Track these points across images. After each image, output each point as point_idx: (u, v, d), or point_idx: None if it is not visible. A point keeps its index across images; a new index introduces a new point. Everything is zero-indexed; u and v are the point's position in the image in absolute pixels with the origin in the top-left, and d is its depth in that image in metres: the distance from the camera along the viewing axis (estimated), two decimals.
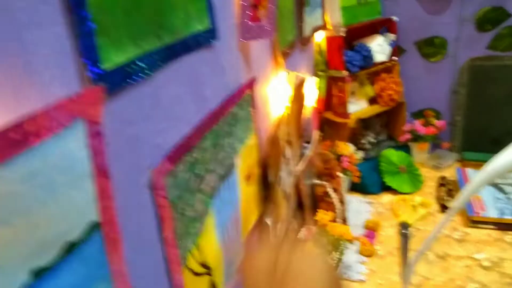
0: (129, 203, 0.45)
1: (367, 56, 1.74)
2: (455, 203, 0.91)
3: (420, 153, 1.93)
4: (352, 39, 1.81)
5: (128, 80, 0.42)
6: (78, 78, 0.36)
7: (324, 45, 1.73)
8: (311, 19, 1.50)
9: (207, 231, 0.65)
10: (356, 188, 1.78)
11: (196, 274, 0.62)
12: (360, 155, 1.77)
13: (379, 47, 1.80)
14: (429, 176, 1.85)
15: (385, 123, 2.02)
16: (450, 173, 1.84)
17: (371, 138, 1.94)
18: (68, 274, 0.36)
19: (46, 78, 0.33)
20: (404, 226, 1.53)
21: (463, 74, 1.89)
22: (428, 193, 1.75)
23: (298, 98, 1.26)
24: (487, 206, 1.56)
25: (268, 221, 0.95)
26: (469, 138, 1.95)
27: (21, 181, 0.29)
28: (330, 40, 1.71)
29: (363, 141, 1.93)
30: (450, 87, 1.96)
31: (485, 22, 1.81)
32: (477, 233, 1.49)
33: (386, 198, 1.75)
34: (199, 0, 0.60)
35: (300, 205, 1.36)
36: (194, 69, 0.60)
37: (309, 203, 1.38)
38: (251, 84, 0.84)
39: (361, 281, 1.32)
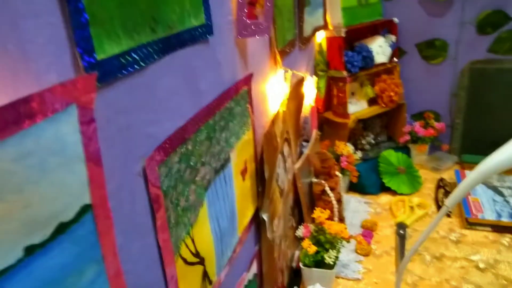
0: (121, 190, 0.47)
1: (367, 57, 1.76)
2: (447, 201, 0.92)
3: (419, 154, 1.94)
4: (353, 39, 1.83)
5: (121, 70, 0.44)
6: (73, 67, 0.38)
7: (324, 45, 1.75)
8: (312, 19, 1.52)
9: (200, 222, 0.67)
10: (355, 188, 1.79)
11: (189, 263, 0.63)
12: (359, 155, 1.78)
13: (380, 49, 1.82)
14: (428, 178, 1.86)
15: (385, 124, 2.03)
16: (449, 175, 1.85)
17: (370, 138, 1.95)
18: (60, 253, 0.37)
19: (41, 65, 0.35)
20: (401, 226, 1.55)
21: (463, 77, 1.90)
22: (426, 194, 1.76)
23: (297, 97, 1.27)
24: (485, 208, 1.56)
25: (264, 216, 0.96)
26: (469, 141, 1.96)
27: (14, 160, 0.31)
28: (330, 40, 1.73)
29: (362, 141, 1.94)
30: (450, 89, 1.97)
31: (486, 25, 1.82)
32: (474, 235, 1.50)
33: (385, 198, 1.76)
34: None
35: (297, 203, 1.38)
36: (189, 63, 0.61)
37: (307, 201, 1.39)
38: (248, 80, 0.86)
39: (357, 279, 1.33)
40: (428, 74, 1.98)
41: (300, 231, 1.28)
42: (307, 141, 1.52)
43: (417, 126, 1.89)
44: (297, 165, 1.30)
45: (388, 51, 1.85)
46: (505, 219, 1.50)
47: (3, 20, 0.32)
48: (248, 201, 0.91)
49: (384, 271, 1.35)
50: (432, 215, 1.63)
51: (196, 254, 0.65)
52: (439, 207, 1.64)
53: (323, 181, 1.42)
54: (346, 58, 1.72)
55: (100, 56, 0.40)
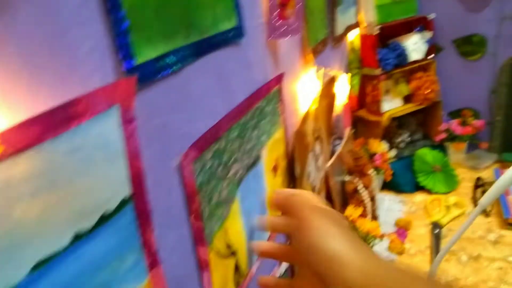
0: (159, 184, 0.51)
1: (401, 55, 1.74)
2: (482, 200, 0.90)
3: (456, 153, 1.90)
4: (387, 37, 1.81)
5: (158, 73, 0.48)
6: (114, 71, 0.42)
7: (357, 43, 1.74)
8: (344, 17, 1.52)
9: (232, 216, 0.70)
10: (389, 186, 1.78)
11: (222, 255, 0.66)
12: (393, 153, 1.76)
13: (415, 45, 1.79)
14: (466, 177, 1.82)
15: (421, 122, 2.00)
16: (488, 174, 1.80)
17: (405, 136, 1.93)
18: (103, 240, 0.41)
19: (87, 70, 0.39)
20: (436, 226, 1.52)
21: (503, 73, 1.84)
22: (464, 194, 1.72)
23: (329, 95, 1.28)
24: None
25: None
26: (509, 139, 1.90)
27: (65, 155, 0.34)
28: (363, 38, 1.72)
29: (397, 139, 1.92)
30: (490, 86, 1.91)
31: None
32: None
33: (420, 197, 1.74)
34: (227, 0, 0.65)
35: (330, 201, 1.39)
36: (221, 65, 0.64)
37: (339, 199, 1.40)
38: (279, 80, 0.88)
39: None
40: (466, 71, 1.93)
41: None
42: (340, 139, 1.52)
43: (454, 124, 1.85)
44: (329, 163, 1.31)
45: (423, 48, 1.82)
46: None
47: (55, 30, 0.36)
48: None
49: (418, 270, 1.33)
50: (469, 215, 1.59)
51: (229, 247, 0.69)
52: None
53: (356, 180, 1.42)
54: (380, 56, 1.71)
55: (139, 60, 0.44)
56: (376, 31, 1.67)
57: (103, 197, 0.40)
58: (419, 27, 1.84)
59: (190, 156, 0.56)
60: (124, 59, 0.42)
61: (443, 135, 1.87)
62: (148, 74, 0.46)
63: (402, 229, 1.52)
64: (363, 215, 1.34)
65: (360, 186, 1.40)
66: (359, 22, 1.73)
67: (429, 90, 1.82)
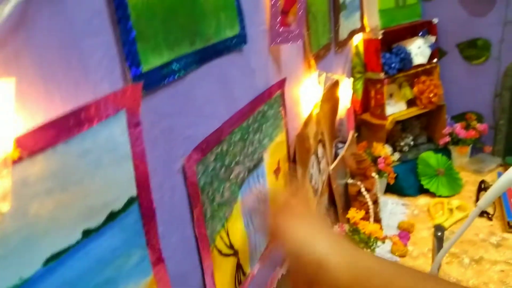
0: (163, 185, 0.53)
1: (405, 59, 1.75)
2: (480, 202, 0.92)
3: (460, 156, 1.90)
4: (391, 41, 1.83)
5: (163, 79, 0.50)
6: (122, 78, 0.44)
7: (361, 47, 1.76)
8: (348, 22, 1.54)
9: (235, 217, 0.72)
10: (393, 189, 1.79)
11: (224, 254, 0.69)
12: (396, 156, 1.78)
13: (418, 50, 1.81)
14: (470, 180, 1.82)
15: (425, 126, 2.01)
16: (491, 178, 1.81)
17: (409, 140, 1.94)
18: (110, 238, 0.44)
19: (97, 77, 0.42)
20: (439, 228, 1.53)
21: (507, 77, 1.85)
22: (467, 197, 1.73)
23: (331, 99, 1.30)
24: None
25: None
26: None
27: (76, 156, 0.37)
28: (367, 42, 1.74)
29: (401, 143, 1.93)
30: (494, 90, 1.92)
31: None
32: None
33: (423, 200, 1.75)
34: (230, 9, 0.67)
35: (333, 203, 1.40)
36: (224, 71, 0.67)
37: (342, 201, 1.42)
38: (281, 85, 0.91)
39: None
40: (470, 75, 1.94)
41: (335, 231, 1.31)
42: (344, 142, 1.54)
43: (458, 127, 1.86)
44: (332, 166, 1.33)
45: (427, 52, 1.83)
46: None
47: (68, 40, 0.38)
48: None
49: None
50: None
51: (231, 246, 0.71)
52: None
53: (358, 182, 1.44)
54: (383, 60, 1.73)
55: (145, 67, 0.47)
56: (380, 35, 1.69)
57: (111, 196, 0.43)
58: (422, 31, 1.85)
59: (193, 159, 0.58)
60: (131, 66, 0.45)
61: (446, 139, 1.88)
62: (154, 80, 0.49)
63: (405, 232, 1.53)
64: (366, 217, 1.36)
65: (363, 189, 1.42)
66: (363, 27, 1.75)
67: (433, 94, 1.83)
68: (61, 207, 0.37)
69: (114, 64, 0.44)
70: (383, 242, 1.31)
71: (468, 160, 1.92)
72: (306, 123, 1.04)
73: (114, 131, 0.42)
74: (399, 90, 1.88)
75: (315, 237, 0.39)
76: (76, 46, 0.39)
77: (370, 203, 1.41)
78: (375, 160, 1.65)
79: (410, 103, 1.89)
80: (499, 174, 1.78)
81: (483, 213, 1.59)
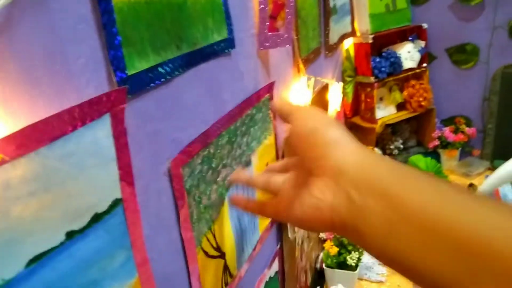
0: (149, 187, 0.54)
1: (395, 63, 1.77)
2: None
3: (449, 160, 1.93)
4: (381, 45, 1.85)
5: (149, 83, 0.51)
6: (107, 81, 0.45)
7: (352, 51, 1.78)
8: (338, 26, 1.56)
9: (222, 219, 0.73)
10: None
11: (210, 256, 0.70)
12: None
13: (408, 54, 1.83)
14: (458, 184, 1.85)
15: (414, 130, 2.03)
16: (480, 181, 1.83)
17: (399, 143, 1.96)
18: (95, 239, 0.44)
19: (82, 81, 0.42)
20: None
21: (495, 81, 1.88)
22: None
23: (321, 102, 1.31)
24: None
25: None
26: (501, 146, 1.93)
27: (60, 159, 0.38)
28: (358, 46, 1.76)
29: (391, 146, 1.95)
30: (482, 94, 1.94)
31: None
32: None
33: None
34: (218, 13, 0.68)
35: None
36: (212, 75, 0.68)
37: None
38: (270, 88, 0.92)
39: (380, 282, 1.35)
40: (459, 79, 1.97)
41: (323, 233, 1.32)
42: None
43: (447, 131, 1.89)
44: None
45: (417, 56, 1.85)
46: None
47: (53, 44, 0.39)
48: None
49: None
50: None
51: (217, 248, 0.72)
52: None
53: None
54: (374, 64, 1.75)
55: (130, 71, 0.47)
56: (370, 39, 1.71)
57: (95, 199, 0.44)
58: (412, 36, 1.87)
59: (180, 161, 0.59)
60: (116, 71, 0.45)
61: (436, 142, 1.90)
62: (140, 84, 0.49)
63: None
64: None
65: None
66: (353, 31, 1.77)
67: (423, 98, 1.85)
68: (44, 209, 0.38)
69: (100, 68, 0.44)
70: None
71: (457, 163, 1.94)
72: None
73: (98, 134, 0.42)
74: (389, 93, 1.90)
75: (334, 124, 0.38)
76: (60, 51, 0.40)
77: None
78: None
79: (400, 106, 1.91)
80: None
81: None
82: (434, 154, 1.92)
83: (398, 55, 1.80)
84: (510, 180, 0.95)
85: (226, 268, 0.75)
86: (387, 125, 1.88)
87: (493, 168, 1.89)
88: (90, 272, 0.44)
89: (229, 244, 0.76)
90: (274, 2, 0.84)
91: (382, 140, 1.94)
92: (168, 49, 0.55)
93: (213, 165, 0.69)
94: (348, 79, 1.78)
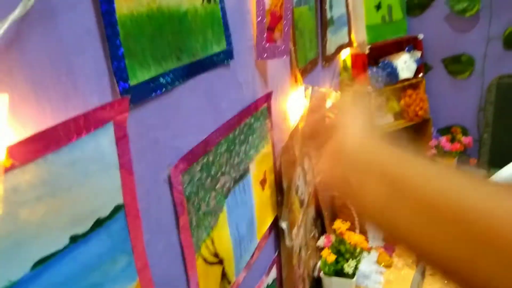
0: (150, 194, 0.55)
1: (392, 73, 1.80)
2: None
3: None
4: (378, 56, 1.88)
5: (151, 93, 0.53)
6: (110, 91, 0.47)
7: (349, 62, 1.80)
8: (335, 37, 1.59)
9: (220, 226, 0.74)
10: None
11: (209, 262, 0.71)
12: None
13: (405, 64, 1.85)
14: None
15: (411, 138, 2.05)
16: None
17: None
18: (97, 243, 0.46)
19: (86, 91, 0.44)
20: None
21: (490, 91, 1.90)
22: None
23: (318, 112, 1.33)
24: None
25: (284, 224, 1.03)
26: (497, 155, 1.95)
27: (65, 166, 0.39)
28: (355, 57, 1.78)
29: None
30: (478, 104, 1.97)
31: None
32: None
33: None
34: (217, 26, 0.70)
35: (320, 215, 1.43)
36: (211, 85, 0.70)
37: (329, 213, 1.44)
38: (267, 98, 0.94)
39: None
40: (455, 89, 2.00)
41: (321, 241, 1.33)
42: None
43: (444, 140, 1.91)
44: (318, 178, 1.35)
45: (413, 66, 1.88)
46: None
47: (58, 56, 0.41)
48: (267, 210, 0.98)
49: (405, 283, 1.37)
50: None
51: (216, 255, 0.73)
52: None
53: None
54: (371, 74, 1.77)
55: (133, 82, 0.49)
56: (367, 50, 1.74)
57: (98, 204, 0.45)
58: (408, 46, 1.90)
59: (179, 168, 0.61)
60: (120, 81, 0.47)
61: (433, 151, 1.92)
62: (141, 94, 0.51)
63: (390, 244, 1.56)
64: (352, 228, 1.38)
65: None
66: (350, 42, 1.80)
67: (419, 108, 1.88)
68: (50, 214, 0.39)
69: (103, 78, 0.46)
70: (369, 253, 1.34)
71: None
72: (292, 136, 1.06)
73: (102, 142, 0.44)
74: (386, 103, 1.92)
75: (359, 117, 0.43)
76: (66, 62, 0.42)
77: (355, 214, 1.44)
78: None
79: (397, 115, 1.93)
80: None
81: None
82: None
83: (394, 66, 1.83)
84: None
85: (224, 274, 0.76)
86: None
87: (489, 177, 1.91)
88: (92, 275, 0.45)
89: (227, 250, 0.77)
90: (271, 14, 0.86)
91: None
92: (169, 60, 0.57)
93: (212, 173, 0.71)
94: (345, 89, 1.80)
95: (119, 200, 0.48)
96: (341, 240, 1.29)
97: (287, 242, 1.06)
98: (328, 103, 0.56)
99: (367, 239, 1.36)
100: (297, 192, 1.12)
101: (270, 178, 0.98)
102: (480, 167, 1.98)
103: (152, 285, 0.56)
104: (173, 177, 0.60)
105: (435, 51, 1.97)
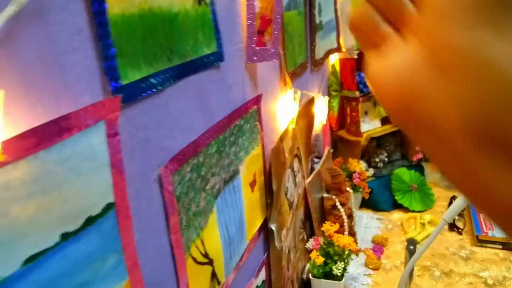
0: (140, 193, 0.56)
1: None
2: (445, 215, 0.97)
3: (433, 172, 1.97)
4: None
5: (142, 93, 0.53)
6: (102, 90, 0.47)
7: (338, 66, 1.82)
8: (324, 42, 1.61)
9: (210, 226, 0.75)
10: (368, 204, 1.84)
11: (199, 262, 0.71)
12: (371, 172, 1.83)
13: None
14: (442, 196, 1.89)
15: (399, 143, 2.07)
16: None
17: (384, 156, 2.00)
18: (88, 241, 0.46)
19: (78, 90, 0.45)
20: (411, 242, 1.58)
21: None
22: (439, 212, 1.79)
23: (307, 115, 1.35)
24: (496, 226, 1.58)
25: (273, 226, 1.03)
26: None
27: (56, 163, 0.40)
28: (343, 61, 1.81)
29: (376, 159, 1.99)
30: None
31: None
32: (484, 252, 1.52)
33: (397, 215, 1.80)
34: (208, 28, 0.71)
35: (309, 217, 1.44)
36: (201, 86, 0.70)
37: (318, 215, 1.45)
38: (257, 100, 0.95)
39: None
40: None
41: (310, 244, 1.34)
42: (320, 157, 1.59)
43: None
44: (308, 180, 1.37)
45: None
46: None
47: (50, 56, 0.41)
48: (257, 211, 0.99)
49: (393, 285, 1.39)
50: (444, 232, 1.66)
51: (205, 255, 0.73)
52: (450, 224, 1.67)
53: (333, 196, 1.48)
54: (359, 79, 1.79)
55: (124, 81, 0.50)
56: (355, 55, 1.76)
57: (89, 202, 0.45)
58: None
59: (170, 169, 0.61)
60: (111, 80, 0.48)
61: (420, 156, 1.94)
62: (133, 93, 0.52)
63: (378, 246, 1.57)
64: (341, 231, 1.39)
65: (338, 203, 1.46)
66: (339, 47, 1.82)
67: None
68: (41, 211, 0.39)
69: (95, 78, 0.47)
70: (357, 255, 1.35)
71: (440, 176, 1.98)
72: (282, 138, 1.07)
73: (93, 140, 0.44)
74: (374, 108, 1.94)
75: None
76: (58, 61, 0.42)
77: (344, 216, 1.45)
78: (350, 175, 1.69)
79: (385, 120, 1.95)
80: None
81: (453, 227, 1.65)
82: (418, 167, 1.96)
83: None
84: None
85: (214, 275, 0.77)
86: (372, 139, 1.92)
87: None
88: (82, 273, 0.46)
89: (217, 251, 0.78)
90: (261, 17, 0.87)
91: (368, 153, 1.98)
92: (160, 61, 0.57)
93: (202, 174, 0.71)
94: (334, 93, 1.82)
95: (110, 198, 0.49)
96: (329, 242, 1.30)
97: (277, 244, 1.06)
98: None
99: (356, 241, 1.38)
100: (286, 194, 1.13)
101: (260, 180, 0.99)
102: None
103: (143, 284, 0.56)
104: (164, 178, 0.60)
105: None
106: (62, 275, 0.43)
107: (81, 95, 0.45)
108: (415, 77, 0.22)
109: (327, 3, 1.66)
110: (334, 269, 1.25)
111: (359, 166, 1.75)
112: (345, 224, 1.45)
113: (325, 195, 1.49)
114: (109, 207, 0.49)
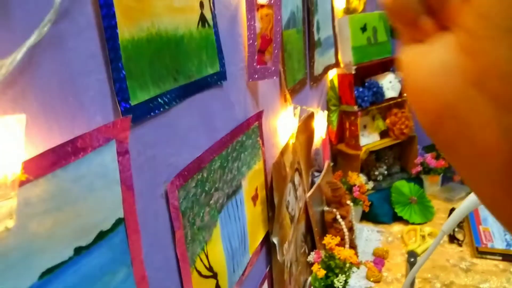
0: (147, 208, 0.58)
1: (377, 92, 1.86)
2: (444, 226, 0.99)
3: (432, 185, 1.99)
4: (364, 76, 1.94)
5: (150, 113, 0.56)
6: (113, 111, 0.50)
7: (336, 82, 1.86)
8: (323, 58, 1.64)
9: (214, 240, 0.77)
10: (368, 217, 1.85)
11: (203, 275, 0.73)
12: (371, 185, 1.85)
13: (390, 84, 1.92)
14: (441, 208, 1.90)
15: (398, 156, 2.10)
16: None
17: (383, 169, 2.02)
18: (99, 255, 0.48)
19: (91, 111, 0.47)
20: (412, 254, 1.59)
21: None
22: (439, 224, 1.80)
23: (307, 130, 1.37)
24: (495, 238, 1.60)
25: (275, 240, 1.05)
26: None
27: (72, 181, 0.42)
28: (341, 77, 1.84)
29: (375, 172, 2.01)
30: None
31: None
32: (484, 263, 1.53)
33: (397, 227, 1.82)
34: (211, 49, 0.74)
35: (310, 230, 1.45)
36: (205, 104, 0.73)
37: (319, 228, 1.47)
38: (258, 117, 0.97)
39: None
40: None
41: (312, 257, 1.35)
42: (320, 171, 1.61)
43: (429, 157, 1.96)
44: (308, 194, 1.39)
45: (398, 86, 1.94)
46: None
47: (66, 79, 0.44)
48: (259, 225, 1.01)
49: None
50: (444, 244, 1.67)
51: (210, 269, 0.75)
52: (450, 236, 1.68)
53: (334, 210, 1.50)
54: (357, 94, 1.83)
55: (133, 102, 0.52)
56: (353, 70, 1.80)
57: (100, 217, 0.48)
58: (393, 67, 1.97)
59: (175, 184, 0.63)
60: (121, 101, 0.50)
61: (418, 168, 1.97)
62: (141, 113, 0.54)
63: (379, 258, 1.59)
64: (341, 244, 1.41)
65: (338, 216, 1.48)
66: (337, 63, 1.86)
67: (405, 126, 1.93)
68: (57, 226, 0.42)
69: (106, 99, 0.49)
70: (358, 268, 1.36)
71: (439, 188, 2.00)
72: (283, 153, 1.10)
73: (105, 159, 0.47)
74: (372, 122, 1.97)
75: None
76: (73, 84, 0.45)
77: (345, 229, 1.47)
78: (350, 188, 1.71)
79: (383, 134, 1.98)
80: None
81: (453, 239, 1.66)
82: (417, 180, 1.98)
83: (380, 85, 1.88)
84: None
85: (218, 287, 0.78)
86: (371, 152, 1.95)
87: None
88: (94, 286, 0.48)
89: (221, 264, 0.80)
90: (262, 37, 0.91)
91: (367, 166, 2.00)
92: (167, 82, 0.60)
93: (206, 189, 0.74)
94: (332, 108, 1.85)
95: (120, 213, 0.51)
96: (331, 255, 1.32)
97: (279, 257, 1.08)
98: None
99: (356, 254, 1.39)
100: (287, 208, 1.15)
101: (262, 194, 1.01)
102: (464, 183, 2.03)
103: None
104: (170, 193, 0.62)
105: None
106: None
107: (94, 116, 0.47)
108: (452, 90, 0.18)
109: (325, 20, 1.71)
110: (336, 282, 1.26)
111: (359, 179, 1.77)
112: (346, 237, 1.46)
113: (326, 208, 1.51)
114: (119, 222, 0.51)
